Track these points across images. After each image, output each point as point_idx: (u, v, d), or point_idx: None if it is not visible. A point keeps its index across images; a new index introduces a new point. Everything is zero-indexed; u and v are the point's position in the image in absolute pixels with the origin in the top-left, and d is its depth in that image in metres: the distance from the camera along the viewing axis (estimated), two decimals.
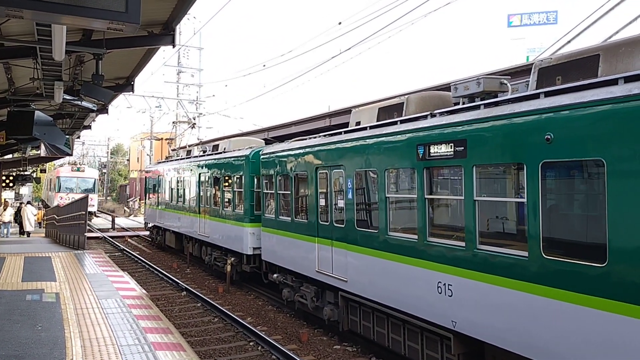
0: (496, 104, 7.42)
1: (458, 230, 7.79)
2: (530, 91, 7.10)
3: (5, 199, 33.29)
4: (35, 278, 11.50)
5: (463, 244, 7.42)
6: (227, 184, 17.80)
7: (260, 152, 15.22)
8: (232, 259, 16.84)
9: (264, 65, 22.17)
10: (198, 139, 37.45)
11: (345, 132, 11.13)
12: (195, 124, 31.97)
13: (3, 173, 31.23)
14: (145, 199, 30.99)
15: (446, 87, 11.86)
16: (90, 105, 9.91)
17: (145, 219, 31.37)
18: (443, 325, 7.83)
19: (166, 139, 49.03)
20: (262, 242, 15.08)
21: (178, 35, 8.13)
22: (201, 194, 20.06)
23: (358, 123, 11.38)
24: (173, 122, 34.33)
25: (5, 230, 29.13)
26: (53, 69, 8.01)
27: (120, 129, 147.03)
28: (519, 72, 11.62)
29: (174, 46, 8.31)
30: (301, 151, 12.57)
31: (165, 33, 8.05)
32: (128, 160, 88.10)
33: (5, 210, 29.53)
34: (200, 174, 20.15)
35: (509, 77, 8.37)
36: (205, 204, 19.52)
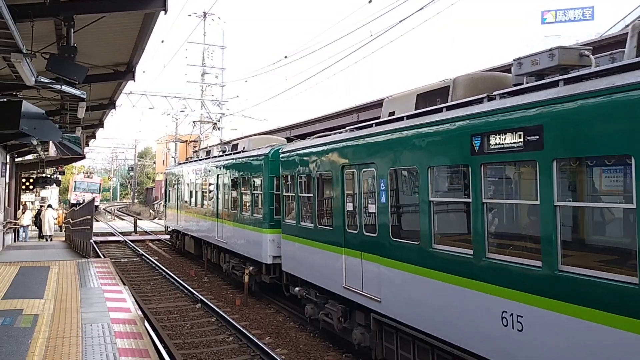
0: (580, 78, 5.63)
1: (530, 245, 6.02)
2: (632, 59, 5.28)
3: (24, 202, 32.50)
4: (19, 294, 10.08)
5: (539, 263, 5.63)
6: (245, 185, 16.27)
7: (280, 151, 13.62)
8: (251, 268, 15.26)
9: (285, 57, 20.56)
10: (220, 140, 36.17)
11: (377, 124, 9.42)
12: (216, 124, 30.61)
13: (22, 175, 30.36)
14: (165, 201, 29.78)
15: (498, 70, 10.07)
16: (76, 92, 8.43)
17: (165, 222, 30.15)
18: None
19: (190, 141, 48.11)
20: (282, 250, 13.47)
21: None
22: (219, 196, 18.58)
23: (392, 113, 9.66)
24: (193, 122, 33.06)
25: (23, 234, 28.22)
26: (3, 33, 6.47)
27: (145, 131, 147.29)
28: (596, 50, 9.73)
29: (165, 12, 6.78)
30: (325, 148, 10.92)
31: None
32: (154, 162, 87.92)
33: (24, 213, 28.61)
34: (218, 175, 18.69)
35: (590, 48, 6.55)
36: (224, 208, 18.03)
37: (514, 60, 6.87)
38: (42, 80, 7.90)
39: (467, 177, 6.74)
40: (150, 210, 61.32)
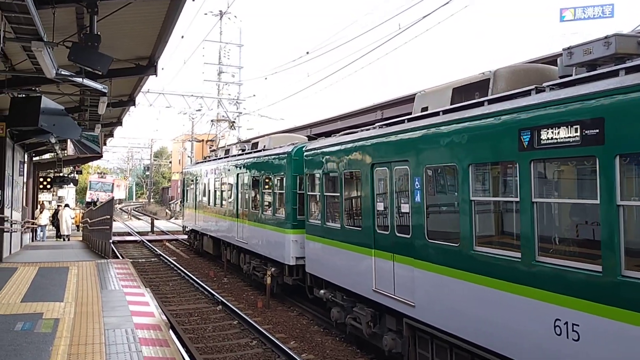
0: None
1: (587, 249, 5.57)
2: None
3: (42, 202, 32.56)
4: (38, 297, 9.78)
5: (598, 268, 5.19)
6: (267, 185, 15.92)
7: (304, 149, 13.25)
8: (273, 269, 14.90)
9: (307, 52, 20.09)
10: (238, 139, 35.89)
11: (409, 120, 9.02)
12: (234, 122, 30.31)
13: (40, 175, 30.37)
14: (183, 201, 29.59)
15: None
16: (97, 86, 8.10)
17: (183, 222, 29.93)
18: None
19: (207, 141, 47.89)
20: (306, 251, 13.10)
21: None
22: (239, 196, 18.25)
23: (425, 109, 9.25)
24: (212, 121, 32.80)
25: (41, 234, 28.20)
26: (23, 19, 6.10)
27: (161, 130, 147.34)
28: None
29: None
30: (353, 145, 10.52)
31: None
32: (170, 162, 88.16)
33: (41, 213, 28.61)
34: (238, 174, 18.36)
35: None
36: (244, 207, 17.69)
37: (564, 49, 6.41)
38: (63, 73, 7.57)
39: (514, 174, 6.30)
40: (167, 210, 61.40)
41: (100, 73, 6.90)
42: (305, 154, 12.99)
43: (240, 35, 38.31)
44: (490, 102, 7.03)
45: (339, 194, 11.01)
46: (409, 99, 15.70)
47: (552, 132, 5.71)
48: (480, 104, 7.21)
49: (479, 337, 6.85)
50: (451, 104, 8.37)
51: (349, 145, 10.67)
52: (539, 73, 7.62)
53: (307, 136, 19.66)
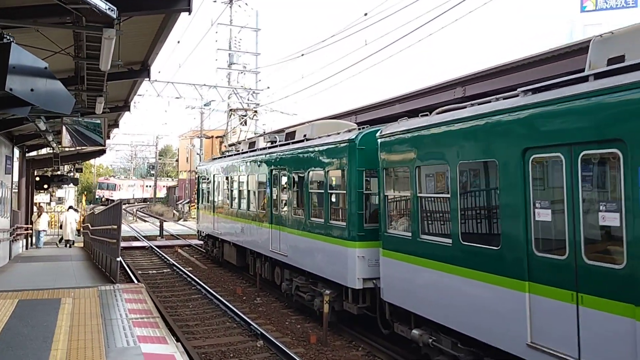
0: None
1: None
2: None
3: (39, 204, 29.15)
4: None
5: None
6: (315, 183, 12.50)
7: (378, 134, 9.84)
8: (328, 292, 11.46)
9: (365, 14, 16.32)
10: (254, 134, 32.46)
11: (598, 75, 5.61)
12: (256, 112, 26.85)
13: (36, 173, 26.98)
14: (198, 203, 26.12)
15: None
16: (98, 2, 4.71)
17: (198, 226, 26.47)
18: None
19: (217, 137, 44.59)
20: (383, 273, 9.70)
21: None
22: (274, 197, 14.81)
23: (615, 59, 5.90)
24: (230, 110, 29.28)
25: (40, 239, 24.81)
26: None
27: (168, 127, 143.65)
28: None
29: None
30: (478, 123, 7.14)
31: None
32: (177, 160, 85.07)
33: (39, 216, 25.19)
34: (272, 170, 14.93)
35: None
36: (281, 211, 14.25)
37: None
38: None
39: None
40: (174, 211, 58.00)
41: None
42: (380, 140, 9.60)
43: (257, 19, 34.61)
44: None
45: (449, 195, 7.59)
46: (499, 71, 12.24)
47: None
48: None
49: None
50: None
51: (470, 124, 7.26)
52: None
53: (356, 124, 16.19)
